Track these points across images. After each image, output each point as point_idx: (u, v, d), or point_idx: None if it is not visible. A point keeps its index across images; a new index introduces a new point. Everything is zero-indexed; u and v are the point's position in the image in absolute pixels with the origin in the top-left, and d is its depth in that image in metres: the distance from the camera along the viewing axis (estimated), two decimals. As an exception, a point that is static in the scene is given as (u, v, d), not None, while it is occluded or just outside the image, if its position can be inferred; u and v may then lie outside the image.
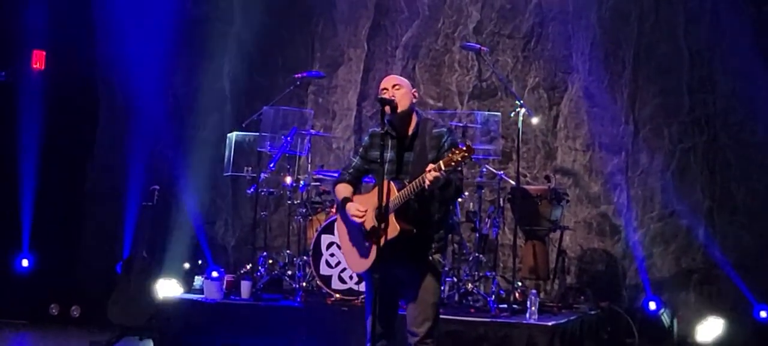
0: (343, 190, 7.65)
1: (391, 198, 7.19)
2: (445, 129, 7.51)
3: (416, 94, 7.65)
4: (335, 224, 7.86)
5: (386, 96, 7.40)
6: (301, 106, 13.72)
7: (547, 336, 9.96)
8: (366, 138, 7.71)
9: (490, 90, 13.70)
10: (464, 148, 6.92)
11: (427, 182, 6.96)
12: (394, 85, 7.47)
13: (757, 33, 12.46)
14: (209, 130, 14.35)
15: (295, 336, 10.86)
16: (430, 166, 6.97)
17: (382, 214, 7.10)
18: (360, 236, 7.44)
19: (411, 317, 7.37)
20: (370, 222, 7.31)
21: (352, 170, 7.71)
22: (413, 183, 7.11)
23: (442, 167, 6.92)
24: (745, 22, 12.53)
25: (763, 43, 12.39)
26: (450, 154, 6.94)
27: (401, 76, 8.08)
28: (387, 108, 7.36)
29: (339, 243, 7.85)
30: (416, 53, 14.05)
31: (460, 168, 7.23)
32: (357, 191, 7.78)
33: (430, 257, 7.40)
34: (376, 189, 7.22)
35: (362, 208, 7.38)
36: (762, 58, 12.29)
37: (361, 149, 7.71)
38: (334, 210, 11.26)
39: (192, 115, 14.55)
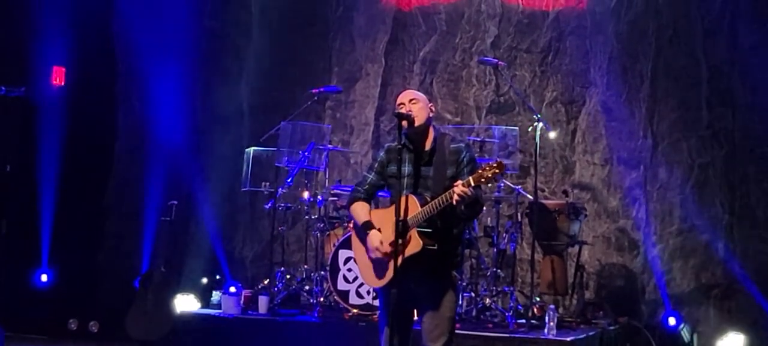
0: (362, 211, 7.60)
1: (413, 212, 7.17)
2: (463, 144, 7.50)
3: (433, 108, 7.62)
4: (351, 238, 7.80)
5: (403, 110, 7.38)
6: (319, 121, 13.76)
7: (566, 352, 9.95)
8: (381, 153, 7.66)
9: (508, 105, 13.69)
10: (495, 164, 6.90)
11: (456, 198, 6.94)
12: (411, 100, 7.45)
13: (775, 47, 12.43)
14: (227, 145, 14.37)
15: (312, 351, 10.90)
16: (459, 182, 6.95)
17: (400, 229, 7.08)
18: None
19: (427, 331, 7.33)
20: (389, 245, 7.28)
21: (367, 186, 7.67)
22: (440, 198, 7.08)
23: (472, 183, 6.91)
24: (763, 36, 12.48)
25: (782, 56, 12.37)
26: (480, 171, 6.92)
27: (418, 91, 8.06)
28: (404, 123, 7.34)
29: (355, 257, 7.80)
30: (434, 68, 14.05)
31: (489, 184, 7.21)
32: (370, 206, 7.75)
33: (448, 271, 7.38)
34: (395, 204, 7.20)
35: (385, 243, 7.32)
36: (781, 72, 12.26)
37: (376, 165, 7.66)
38: (351, 226, 11.26)
39: (210, 130, 14.58)
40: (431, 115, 7.56)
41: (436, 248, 7.21)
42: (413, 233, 7.16)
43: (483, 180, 6.90)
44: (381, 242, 7.33)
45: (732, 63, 12.72)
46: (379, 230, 7.40)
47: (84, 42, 14.42)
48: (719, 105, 12.75)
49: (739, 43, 12.66)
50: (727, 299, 12.54)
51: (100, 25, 14.65)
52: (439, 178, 7.27)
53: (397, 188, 7.25)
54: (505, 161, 11.63)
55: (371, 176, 7.66)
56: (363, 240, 7.53)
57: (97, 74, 14.67)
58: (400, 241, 7.08)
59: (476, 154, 11.15)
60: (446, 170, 7.30)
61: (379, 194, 7.93)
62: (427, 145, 7.46)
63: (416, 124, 7.38)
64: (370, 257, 7.48)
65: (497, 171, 6.88)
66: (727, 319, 12.44)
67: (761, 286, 12.20)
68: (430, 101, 7.63)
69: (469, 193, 6.92)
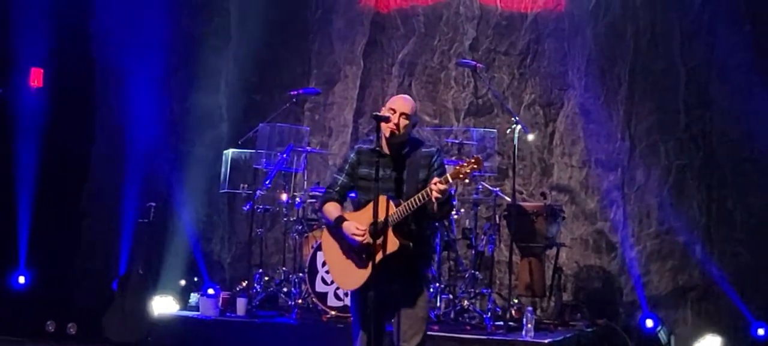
0: (334, 209, 7.60)
1: (391, 212, 7.18)
2: (434, 149, 7.53)
3: (416, 124, 7.66)
4: (323, 240, 7.79)
5: (392, 121, 7.37)
6: (298, 123, 13.74)
7: (544, 354, 9.98)
8: (352, 155, 7.64)
9: (486, 107, 13.71)
10: (473, 160, 6.94)
11: (436, 195, 6.96)
12: (402, 114, 7.42)
13: (753, 50, 12.45)
14: (205, 147, 14.36)
15: (290, 353, 10.90)
16: (436, 179, 6.98)
17: (378, 230, 7.09)
18: (353, 253, 7.41)
19: (402, 331, 7.33)
20: (366, 234, 7.29)
21: (338, 188, 7.65)
22: (416, 197, 7.11)
23: (450, 180, 6.94)
24: (741, 39, 12.53)
25: (759, 59, 12.39)
26: (459, 166, 6.96)
27: (397, 93, 8.06)
28: (382, 125, 7.34)
29: (326, 259, 7.79)
30: (412, 70, 14.06)
31: (467, 180, 7.24)
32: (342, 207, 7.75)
33: (420, 271, 7.41)
34: (369, 206, 7.20)
35: (361, 226, 7.36)
36: (758, 75, 12.28)
37: (347, 166, 7.64)
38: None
39: (188, 132, 14.57)
40: (413, 128, 7.59)
41: (411, 246, 7.22)
42: (389, 233, 7.17)
43: (461, 176, 6.96)
44: (357, 227, 7.33)
45: (709, 66, 12.75)
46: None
47: (62, 44, 14.40)
48: (697, 108, 12.78)
49: (717, 46, 12.70)
50: (704, 301, 12.58)
51: (78, 26, 14.62)
52: (411, 181, 7.30)
53: (368, 191, 7.29)
54: (484, 163, 11.75)
55: (341, 178, 7.65)
56: (337, 238, 7.52)
57: (75, 76, 14.64)
58: (377, 242, 7.09)
59: (455, 156, 11.29)
60: (419, 173, 7.34)
61: (349, 196, 7.93)
62: (401, 150, 7.47)
63: (398, 138, 7.41)
64: (343, 258, 7.48)
65: (475, 166, 6.94)
66: (704, 321, 12.48)
67: (738, 288, 12.25)
68: (416, 116, 7.66)
69: (447, 190, 6.97)
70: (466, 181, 7.08)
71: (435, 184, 6.95)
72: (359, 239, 7.31)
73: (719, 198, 12.65)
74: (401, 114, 7.42)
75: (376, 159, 7.26)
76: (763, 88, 12.27)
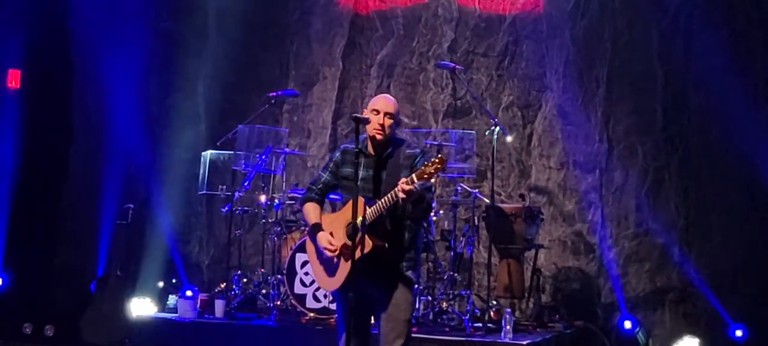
0: (313, 212, 7.61)
1: (362, 215, 7.17)
2: (418, 150, 7.53)
3: (399, 123, 7.64)
4: (306, 241, 7.80)
5: (376, 122, 7.38)
6: (276, 125, 13.72)
7: (522, 355, 9.99)
8: (337, 154, 7.65)
9: (465, 108, 13.72)
10: (437, 160, 6.94)
11: (401, 196, 6.96)
12: (387, 114, 7.43)
13: (729, 52, 12.50)
14: (184, 148, 14.32)
15: (269, 355, 10.88)
16: (403, 179, 6.98)
17: (356, 231, 7.09)
18: (331, 256, 7.41)
19: (383, 333, 7.34)
20: (340, 244, 7.29)
21: (320, 186, 7.66)
22: (386, 197, 7.12)
23: (415, 180, 6.93)
24: (717, 41, 12.56)
25: (736, 61, 12.44)
26: (423, 167, 6.96)
27: (376, 94, 8.05)
28: (361, 126, 7.34)
29: (308, 259, 7.79)
30: (391, 72, 14.06)
31: (432, 183, 7.23)
32: (322, 208, 7.74)
33: (403, 273, 7.39)
34: (347, 207, 7.21)
35: (334, 241, 7.34)
36: (734, 77, 12.33)
37: (331, 165, 7.65)
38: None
39: (166, 133, 14.52)
40: (397, 127, 7.58)
41: (385, 247, 7.22)
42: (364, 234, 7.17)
43: (426, 176, 6.95)
44: (330, 242, 7.33)
45: (687, 68, 12.80)
46: (330, 233, 7.39)
47: (39, 45, 14.32)
48: (674, 109, 12.82)
49: (694, 48, 12.75)
50: (682, 303, 12.62)
51: (56, 27, 14.55)
52: (392, 182, 7.27)
53: (350, 191, 7.29)
54: (462, 165, 11.78)
55: (325, 176, 7.65)
56: (314, 242, 7.53)
57: (53, 76, 14.57)
58: (353, 243, 7.10)
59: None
60: (400, 175, 7.30)
61: (332, 197, 7.92)
62: (384, 151, 7.46)
63: (379, 138, 7.40)
64: (322, 259, 7.48)
65: (439, 166, 6.93)
66: (682, 322, 12.53)
67: (716, 289, 12.29)
68: (400, 117, 7.65)
69: (414, 189, 6.95)
70: (432, 180, 7.07)
71: (400, 184, 6.96)
72: (330, 254, 7.32)
73: (697, 200, 12.70)
74: (385, 114, 7.42)
75: (355, 159, 7.27)
76: (740, 90, 12.33)
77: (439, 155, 7.06)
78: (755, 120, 12.37)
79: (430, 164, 6.95)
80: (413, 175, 6.97)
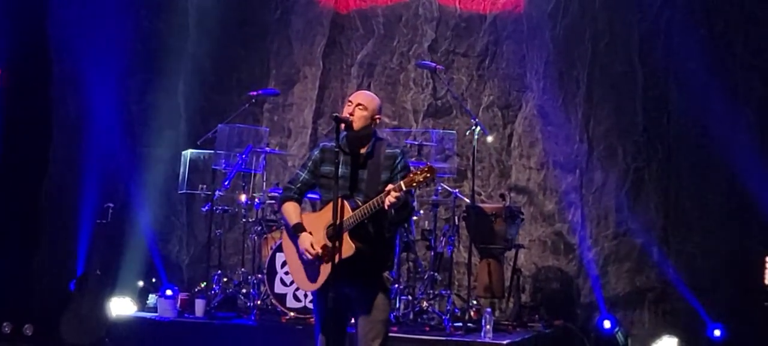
0: (293, 212, 7.56)
1: (346, 216, 7.15)
2: (398, 150, 7.49)
3: (378, 119, 7.56)
4: (283, 240, 7.78)
5: (346, 112, 7.38)
6: (257, 124, 13.71)
7: (502, 354, 10.00)
8: (316, 152, 7.60)
9: (445, 108, 13.73)
10: (426, 168, 6.93)
11: (387, 203, 6.95)
12: (358, 105, 7.41)
13: (709, 53, 12.55)
14: (164, 147, 14.27)
15: (249, 354, 10.87)
16: (390, 186, 6.96)
17: (336, 232, 7.08)
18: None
19: (361, 334, 7.32)
20: (321, 246, 7.28)
21: (299, 185, 7.61)
22: (371, 203, 7.09)
23: (403, 188, 6.92)
24: (698, 43, 12.62)
25: (716, 63, 12.50)
26: (412, 175, 6.94)
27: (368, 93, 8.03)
28: (342, 125, 7.33)
29: (286, 259, 7.77)
30: (371, 71, 14.06)
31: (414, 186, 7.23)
32: (301, 207, 7.72)
33: (382, 274, 7.38)
34: (328, 208, 7.19)
35: (316, 244, 7.32)
36: (714, 78, 12.39)
37: (309, 163, 7.60)
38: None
39: (146, 132, 14.47)
40: (375, 124, 7.53)
41: (367, 251, 7.21)
42: (345, 237, 7.13)
43: (414, 185, 6.93)
44: (312, 245, 7.31)
45: (667, 69, 12.85)
46: (310, 233, 7.38)
47: (18, 44, 14.26)
48: (654, 110, 12.87)
49: (675, 50, 12.79)
50: (662, 303, 12.67)
51: (36, 27, 14.50)
52: (373, 182, 7.27)
53: (330, 189, 7.25)
54: (443, 165, 11.79)
55: (304, 174, 7.60)
56: (294, 242, 7.51)
57: (32, 76, 14.51)
58: (333, 245, 7.08)
59: (414, 158, 11.28)
60: (381, 175, 7.30)
61: (309, 196, 7.89)
62: (365, 150, 7.44)
63: (354, 128, 7.37)
64: (301, 259, 7.47)
65: (428, 175, 6.92)
66: (661, 322, 12.57)
67: (695, 289, 12.35)
68: (380, 111, 7.61)
69: (401, 197, 6.94)
70: (418, 190, 7.07)
71: (388, 192, 6.95)
72: (310, 256, 7.30)
73: (676, 200, 12.75)
74: (357, 105, 7.40)
75: (335, 158, 7.26)
76: (720, 92, 12.38)
77: (429, 165, 7.05)
78: (734, 121, 12.44)
79: (418, 173, 6.93)
80: (401, 182, 6.94)
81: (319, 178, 7.54)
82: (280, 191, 11.35)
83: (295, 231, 7.43)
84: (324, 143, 7.64)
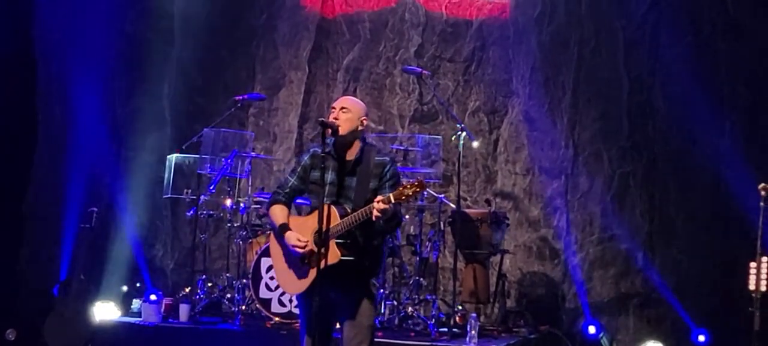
0: (280, 214, 7.56)
1: (333, 224, 7.15)
2: (388, 158, 7.49)
3: (365, 122, 7.56)
4: (270, 244, 7.76)
5: (331, 117, 7.38)
6: (242, 129, 13.68)
7: (487, 360, 10.00)
8: (306, 158, 7.60)
9: (431, 113, 13.73)
10: (416, 183, 6.92)
11: (376, 215, 6.94)
12: (342, 108, 7.43)
13: (695, 59, 12.56)
14: (149, 151, 14.25)
15: (234, 359, 10.86)
16: (380, 197, 6.95)
17: (322, 238, 7.06)
18: (297, 259, 7.38)
19: (347, 339, 7.34)
20: (307, 250, 7.27)
21: (288, 190, 7.61)
22: (359, 212, 7.08)
23: (392, 200, 6.91)
24: (683, 49, 12.64)
25: (702, 69, 12.51)
26: (401, 188, 6.93)
27: (352, 98, 8.03)
28: (328, 131, 7.33)
29: (273, 263, 7.76)
30: (357, 76, 14.05)
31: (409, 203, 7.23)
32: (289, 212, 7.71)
33: (368, 281, 7.38)
34: (315, 213, 7.18)
35: (303, 237, 7.31)
36: (700, 85, 12.39)
37: (299, 169, 7.60)
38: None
39: (131, 136, 14.44)
40: (361, 128, 7.52)
41: (353, 259, 7.21)
42: (331, 244, 7.14)
43: (403, 198, 6.93)
44: (299, 239, 7.29)
45: (653, 75, 12.85)
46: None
47: (2, 47, 14.20)
48: (640, 116, 12.88)
49: (660, 56, 12.80)
50: (646, 308, 12.67)
51: (20, 29, 14.45)
52: (361, 189, 7.27)
53: (318, 196, 7.23)
54: (428, 170, 11.77)
55: (293, 180, 7.60)
56: (282, 243, 7.49)
57: (17, 79, 14.45)
58: (319, 251, 7.07)
59: (399, 163, 11.27)
60: (369, 182, 7.30)
61: (299, 201, 7.88)
62: (352, 156, 7.43)
63: (340, 133, 7.37)
64: (287, 263, 7.45)
65: (418, 190, 6.93)
66: (646, 328, 12.58)
67: (679, 295, 12.36)
68: (365, 114, 7.61)
69: (389, 209, 6.93)
70: (408, 203, 7.07)
71: (377, 203, 6.94)
72: (300, 251, 7.28)
73: (661, 206, 12.76)
74: (341, 109, 7.43)
75: (322, 163, 7.25)
76: (705, 98, 12.39)
77: (419, 179, 7.04)
78: (720, 127, 12.46)
79: (409, 187, 6.93)
80: (391, 195, 6.94)
81: (309, 184, 7.54)
82: (265, 196, 11.45)
83: (282, 231, 7.42)
84: (314, 149, 7.62)
